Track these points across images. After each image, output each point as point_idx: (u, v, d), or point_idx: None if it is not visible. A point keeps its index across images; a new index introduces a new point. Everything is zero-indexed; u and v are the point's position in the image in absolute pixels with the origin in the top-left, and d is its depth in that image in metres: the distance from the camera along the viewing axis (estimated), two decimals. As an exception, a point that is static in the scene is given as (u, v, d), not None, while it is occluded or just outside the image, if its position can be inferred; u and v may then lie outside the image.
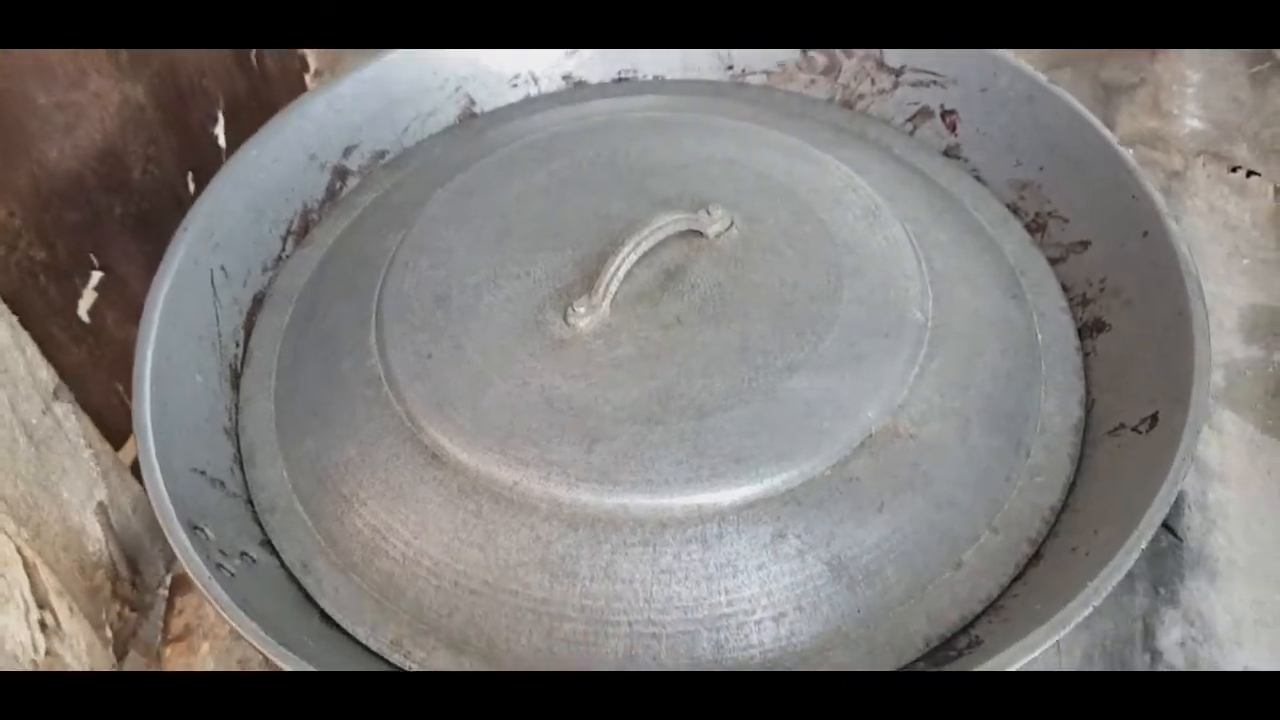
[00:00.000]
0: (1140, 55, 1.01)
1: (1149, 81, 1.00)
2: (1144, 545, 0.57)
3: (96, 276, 0.86)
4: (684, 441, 0.62)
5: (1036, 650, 0.55)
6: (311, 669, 0.55)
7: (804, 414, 0.64)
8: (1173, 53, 1.01)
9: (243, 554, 0.64)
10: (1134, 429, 0.66)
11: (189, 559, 0.59)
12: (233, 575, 0.61)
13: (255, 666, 0.71)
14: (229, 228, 0.77)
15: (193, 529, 0.62)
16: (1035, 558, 0.64)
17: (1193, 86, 1.00)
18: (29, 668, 0.77)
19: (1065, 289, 0.77)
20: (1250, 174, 0.95)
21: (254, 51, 0.98)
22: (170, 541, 0.60)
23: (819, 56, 0.89)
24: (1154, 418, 0.65)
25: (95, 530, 0.79)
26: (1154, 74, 1.01)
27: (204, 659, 0.76)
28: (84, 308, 0.85)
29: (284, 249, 0.81)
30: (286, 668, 0.55)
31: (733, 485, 0.61)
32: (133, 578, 0.83)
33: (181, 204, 0.78)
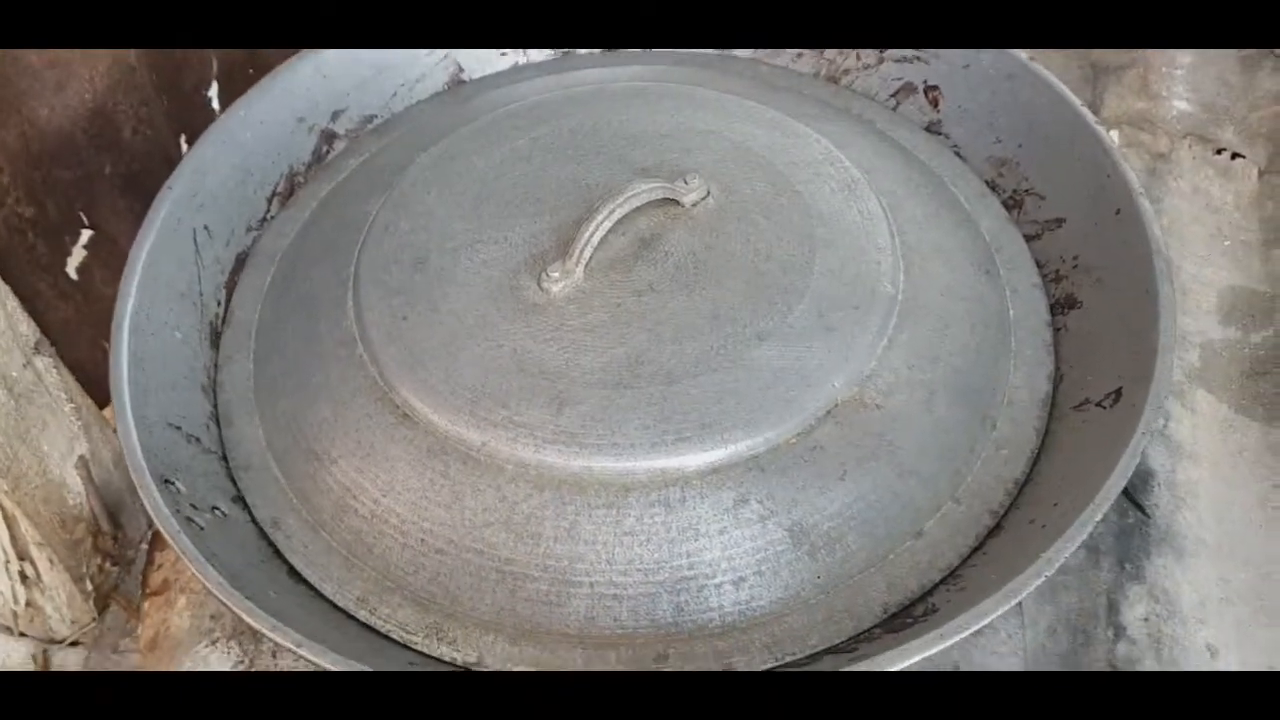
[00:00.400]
0: (1132, 36, 1.00)
1: (1139, 63, 1.00)
2: (1099, 518, 0.58)
3: (86, 235, 0.87)
4: (651, 406, 0.63)
5: (989, 617, 0.55)
6: (274, 624, 0.56)
7: (771, 382, 0.64)
8: (1165, 34, 1.00)
9: (214, 509, 0.65)
10: (1098, 404, 0.67)
11: (158, 510, 0.60)
12: (202, 529, 0.63)
13: (229, 621, 0.72)
14: (214, 188, 0.78)
15: (164, 482, 0.63)
16: (996, 529, 0.65)
17: (1182, 69, 1.00)
18: (9, 619, 0.78)
19: (1039, 265, 0.78)
20: (1235, 156, 0.95)
21: (247, 15, 0.98)
22: (140, 493, 0.61)
23: (806, 30, 0.90)
24: (1118, 393, 0.66)
25: (76, 484, 0.80)
26: (1144, 56, 1.01)
27: (180, 613, 0.77)
28: (73, 265, 0.86)
29: (269, 210, 0.82)
30: (250, 620, 0.56)
31: (698, 450, 0.62)
32: (114, 532, 0.85)
33: (173, 165, 0.78)
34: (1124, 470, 0.59)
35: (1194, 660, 0.70)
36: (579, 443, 0.62)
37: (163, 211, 0.74)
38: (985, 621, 0.55)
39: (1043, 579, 0.56)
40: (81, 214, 0.86)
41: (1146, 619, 0.72)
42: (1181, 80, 0.99)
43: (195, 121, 0.95)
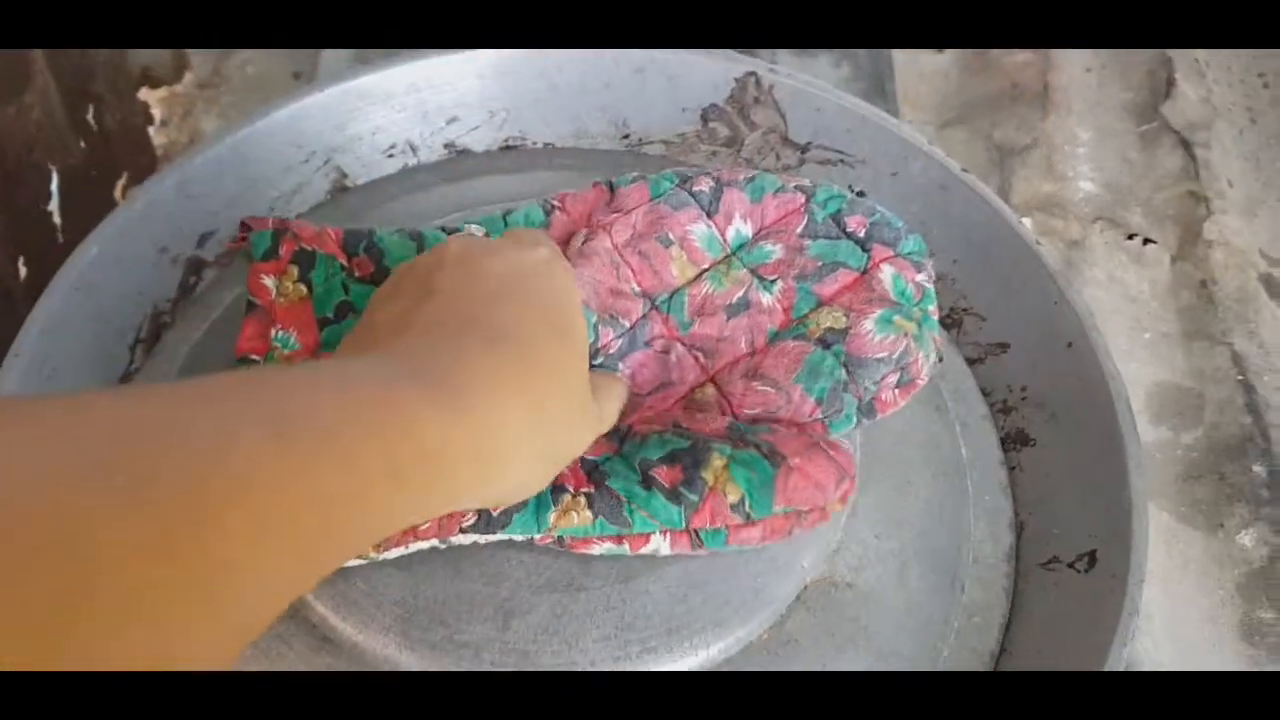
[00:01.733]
0: (1032, 113, 0.99)
1: (1041, 142, 0.98)
2: (1100, 719, 0.54)
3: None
4: (610, 610, 0.57)
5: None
6: None
7: (735, 568, 0.59)
8: (1062, 108, 0.99)
9: None
10: (1070, 565, 0.64)
11: None
12: None
13: None
14: (67, 348, 0.67)
15: None
16: (976, 708, 0.61)
17: (1084, 146, 0.99)
18: None
19: (985, 393, 0.74)
20: (1147, 241, 0.94)
21: (90, 112, 0.85)
22: None
23: (720, 127, 0.84)
24: (1091, 557, 0.63)
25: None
26: (1045, 134, 0.99)
27: None
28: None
29: (132, 360, 0.71)
30: None
31: (666, 661, 0.56)
32: None
33: (10, 296, 0.67)
34: (1114, 663, 0.56)
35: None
36: (533, 662, 0.55)
37: (9, 390, 0.63)
38: None
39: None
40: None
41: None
42: (1084, 159, 0.98)
43: (34, 240, 0.82)
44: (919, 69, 1.01)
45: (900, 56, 0.95)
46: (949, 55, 1.04)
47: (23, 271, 0.80)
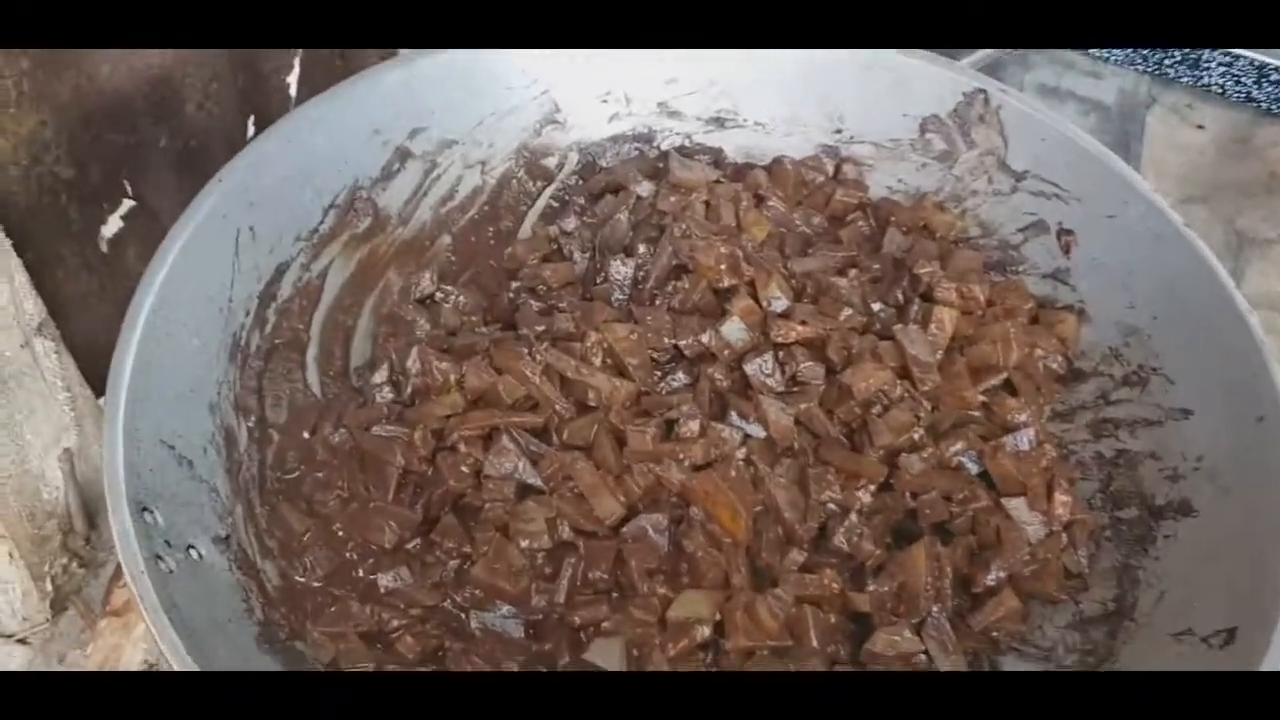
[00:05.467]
0: (1285, 205, 0.91)
1: (1293, 237, 0.91)
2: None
3: (127, 205, 0.81)
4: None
5: None
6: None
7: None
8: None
9: (189, 548, 0.58)
10: (1204, 639, 0.58)
11: (125, 542, 0.53)
12: (170, 571, 0.55)
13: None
14: (268, 188, 0.71)
15: (140, 510, 0.55)
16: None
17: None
18: (-48, 605, 0.71)
19: (1155, 458, 0.69)
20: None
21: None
22: (110, 517, 0.54)
23: (936, 139, 0.82)
24: (1230, 634, 0.56)
25: (56, 476, 0.73)
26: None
27: (135, 644, 0.69)
28: (106, 236, 0.80)
29: (322, 221, 0.75)
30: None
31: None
32: (88, 532, 0.77)
33: (235, 149, 0.72)
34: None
35: None
36: None
37: (208, 204, 0.67)
38: None
39: None
40: (126, 183, 0.79)
41: None
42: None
43: (268, 107, 0.88)
44: (1173, 138, 0.95)
45: (1156, 125, 0.90)
46: (1209, 132, 0.98)
47: (250, 129, 0.86)
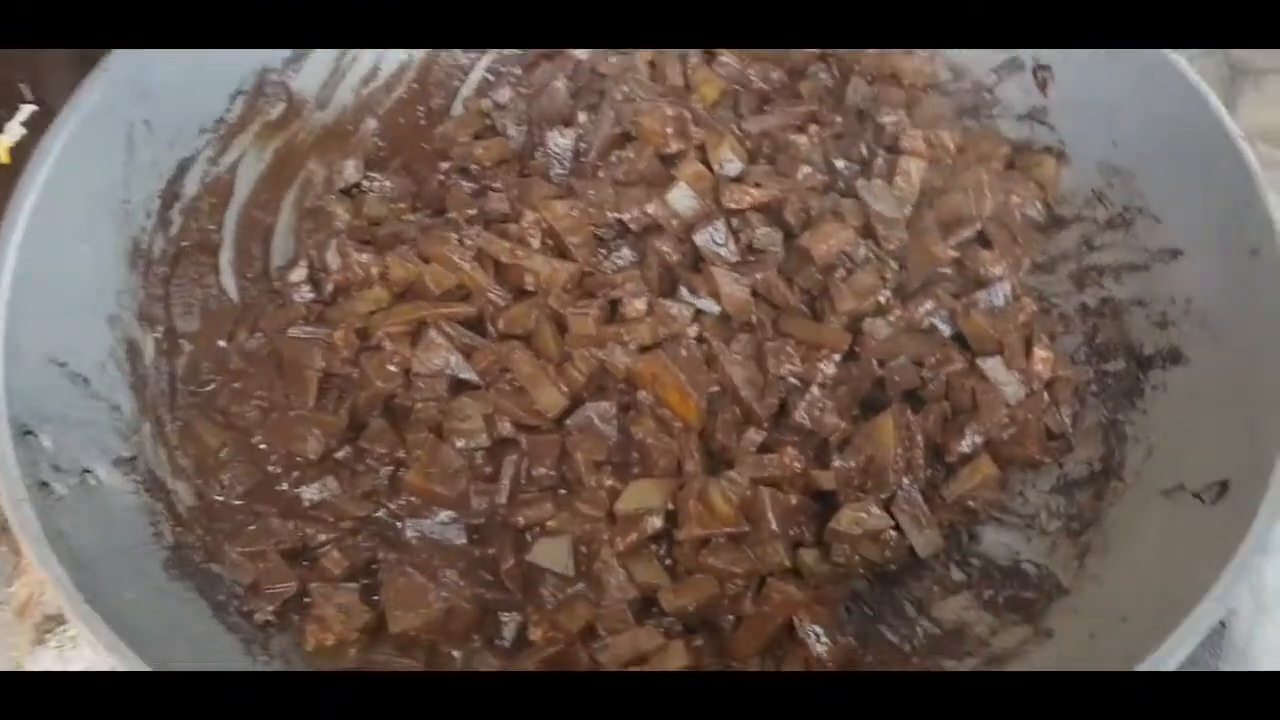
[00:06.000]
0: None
1: (1284, 70, 0.84)
2: (1180, 658, 0.44)
3: (28, 111, 0.75)
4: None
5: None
6: (112, 640, 0.44)
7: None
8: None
9: (85, 472, 0.53)
10: (1196, 494, 0.53)
11: (4, 470, 0.49)
12: (60, 498, 0.50)
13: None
14: (163, 74, 0.64)
15: (23, 432, 0.51)
16: (1045, 634, 0.52)
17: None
18: None
19: (1141, 304, 0.63)
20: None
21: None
22: (-12, 443, 0.50)
23: None
24: (1223, 486, 0.52)
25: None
26: (1292, 62, 0.84)
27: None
28: (4, 144, 0.74)
29: (229, 109, 0.69)
30: (86, 631, 0.45)
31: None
32: None
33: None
34: (1221, 596, 0.46)
35: None
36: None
37: (92, 96, 0.61)
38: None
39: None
40: (23, 87, 0.73)
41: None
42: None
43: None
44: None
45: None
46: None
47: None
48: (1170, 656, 0.44)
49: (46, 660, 0.60)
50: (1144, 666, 0.44)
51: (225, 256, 0.68)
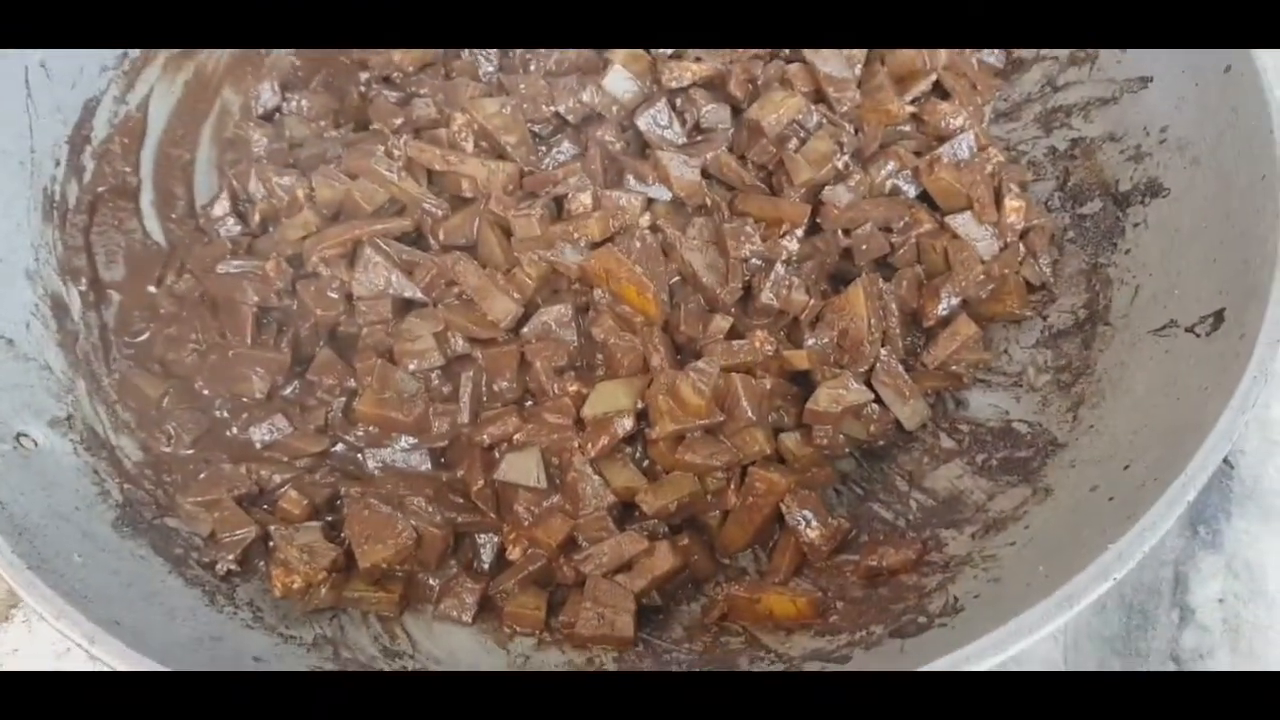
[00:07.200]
0: None
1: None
2: (1190, 499, 0.42)
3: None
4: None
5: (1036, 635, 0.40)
6: (59, 608, 0.41)
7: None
8: None
9: (19, 436, 0.50)
10: (1190, 329, 0.50)
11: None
12: (-13, 466, 0.47)
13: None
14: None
15: (-60, 403, 0.48)
16: (1044, 492, 0.50)
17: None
18: None
19: (1114, 140, 0.60)
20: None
21: None
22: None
23: None
24: (1218, 316, 0.49)
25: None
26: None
27: None
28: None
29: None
30: (27, 598, 0.42)
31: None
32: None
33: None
34: (1225, 431, 0.43)
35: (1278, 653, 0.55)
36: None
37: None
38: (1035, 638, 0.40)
39: (1110, 583, 0.41)
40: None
41: (1222, 599, 0.57)
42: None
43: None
44: None
45: None
46: None
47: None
48: (1178, 501, 0.42)
49: (15, 635, 0.57)
50: (1151, 512, 0.42)
51: (146, 198, 0.64)
